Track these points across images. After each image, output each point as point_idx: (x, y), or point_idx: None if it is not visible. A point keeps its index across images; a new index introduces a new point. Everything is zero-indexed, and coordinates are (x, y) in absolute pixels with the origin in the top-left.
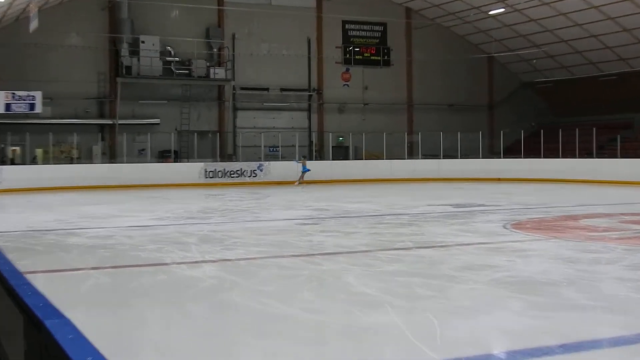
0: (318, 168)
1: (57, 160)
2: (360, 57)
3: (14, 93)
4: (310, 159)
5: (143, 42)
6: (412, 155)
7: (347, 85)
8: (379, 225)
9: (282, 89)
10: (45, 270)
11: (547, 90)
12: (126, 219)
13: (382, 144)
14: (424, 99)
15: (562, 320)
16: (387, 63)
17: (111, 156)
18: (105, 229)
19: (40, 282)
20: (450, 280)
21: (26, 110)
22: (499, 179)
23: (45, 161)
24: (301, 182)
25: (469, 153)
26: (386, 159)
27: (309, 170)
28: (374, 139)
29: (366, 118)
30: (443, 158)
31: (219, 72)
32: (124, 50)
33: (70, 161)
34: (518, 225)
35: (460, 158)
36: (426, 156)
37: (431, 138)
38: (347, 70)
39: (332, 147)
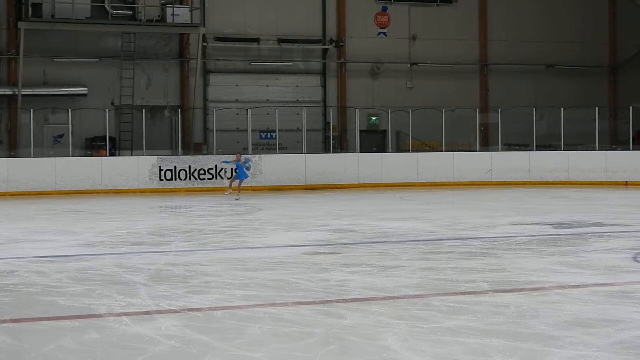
0: (338, 165)
1: None
2: None
3: None
4: (326, 149)
5: None
6: (487, 144)
7: (384, 33)
8: (435, 255)
9: (282, 40)
10: None
11: None
12: (35, 246)
13: (440, 128)
14: (507, 55)
15: None
16: None
17: (10, 146)
18: (1, 260)
19: None
20: (548, 343)
21: None
22: (626, 184)
23: None
24: (234, 188)
25: (579, 142)
26: (446, 150)
27: (247, 176)
28: (425, 119)
29: (414, 86)
30: (536, 149)
31: (181, 14)
32: None
33: None
34: None
35: (564, 149)
36: (509, 146)
37: (518, 118)
38: (384, 10)
39: (360, 131)
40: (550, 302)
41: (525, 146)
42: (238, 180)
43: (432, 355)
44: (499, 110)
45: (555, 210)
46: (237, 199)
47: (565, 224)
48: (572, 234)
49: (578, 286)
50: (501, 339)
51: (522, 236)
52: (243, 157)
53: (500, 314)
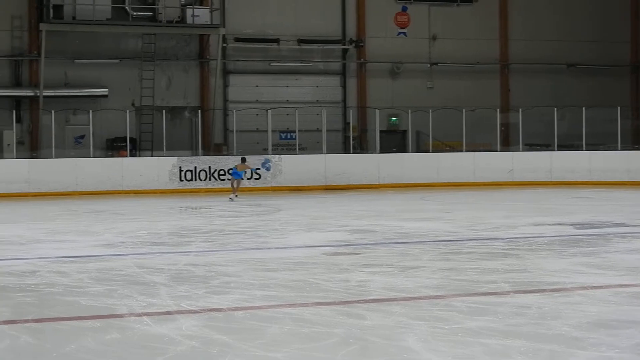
0: (358, 165)
1: None
2: None
3: None
4: (346, 150)
5: None
6: (507, 144)
7: (404, 33)
8: (455, 256)
9: (301, 41)
10: None
11: None
12: (56, 246)
13: (460, 128)
14: (527, 55)
15: None
16: None
17: (32, 147)
18: (23, 260)
19: None
20: (570, 344)
21: None
22: None
23: None
24: (238, 189)
25: (600, 141)
26: (466, 150)
27: (240, 176)
28: (446, 120)
29: (434, 86)
30: (558, 149)
31: (201, 15)
32: None
33: None
34: None
35: (586, 149)
36: (530, 146)
37: (539, 118)
38: (404, 10)
39: (380, 132)
40: (573, 303)
41: (546, 146)
42: (237, 181)
43: (453, 356)
44: (520, 110)
45: (577, 211)
46: (233, 198)
47: (587, 224)
48: (594, 235)
49: (601, 287)
50: (523, 340)
51: (543, 237)
52: (264, 157)
53: (522, 315)
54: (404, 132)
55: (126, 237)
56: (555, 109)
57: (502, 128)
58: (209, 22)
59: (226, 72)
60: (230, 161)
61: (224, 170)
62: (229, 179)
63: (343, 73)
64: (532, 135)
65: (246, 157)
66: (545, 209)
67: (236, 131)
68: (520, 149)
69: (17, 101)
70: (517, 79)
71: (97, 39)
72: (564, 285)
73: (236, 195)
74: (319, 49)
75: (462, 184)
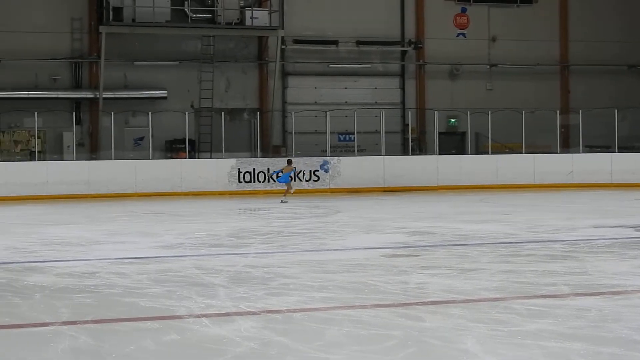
0: (416, 167)
1: (8, 156)
2: None
3: None
4: (404, 152)
5: None
6: (567, 146)
7: (464, 35)
8: (515, 258)
9: (360, 42)
10: None
11: None
12: (116, 247)
13: (520, 129)
14: (588, 56)
15: None
16: None
17: (92, 149)
18: (83, 261)
19: None
20: (631, 347)
21: None
22: None
23: None
24: (289, 193)
25: None
26: (526, 152)
27: (287, 180)
28: (505, 121)
29: (494, 87)
30: (618, 151)
31: (260, 17)
32: None
33: (29, 157)
34: None
35: None
36: (591, 148)
37: (599, 119)
38: (464, 11)
39: (439, 133)
40: (633, 306)
41: (606, 148)
42: (287, 184)
43: (512, 359)
44: (580, 111)
45: (638, 213)
46: (284, 201)
47: None
48: None
49: None
50: (582, 343)
51: (603, 239)
52: (322, 159)
53: (582, 318)
54: (463, 133)
55: (185, 238)
56: (616, 110)
57: (562, 130)
58: (267, 24)
59: (285, 74)
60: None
61: (282, 172)
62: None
63: (402, 75)
64: (592, 136)
65: (303, 158)
66: (606, 211)
67: (295, 133)
68: (581, 151)
69: (77, 103)
70: (577, 80)
71: (157, 41)
72: (625, 288)
73: (287, 199)
74: (377, 50)
75: (521, 186)
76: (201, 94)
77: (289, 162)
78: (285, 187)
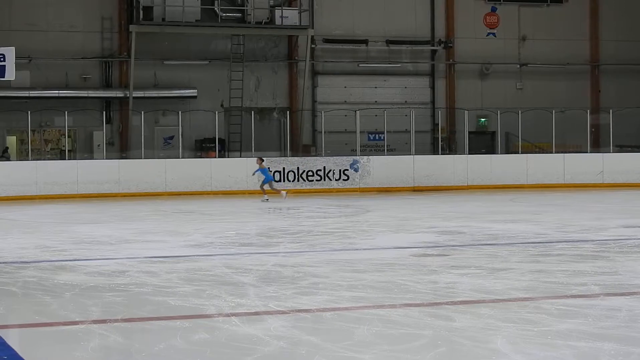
0: (446, 166)
1: (39, 154)
2: None
3: None
4: (434, 151)
5: None
6: (597, 146)
7: (494, 34)
8: (545, 258)
9: (390, 42)
10: (22, 324)
11: None
12: (145, 246)
13: (550, 129)
14: (618, 55)
15: None
16: None
17: (122, 148)
18: (113, 260)
19: (14, 342)
20: None
21: None
22: None
23: (21, 155)
24: (269, 192)
25: None
26: (556, 152)
27: (271, 178)
28: (535, 121)
29: (524, 86)
30: None
31: (290, 16)
32: None
33: (59, 155)
34: None
35: None
36: (621, 148)
37: (630, 119)
38: (494, 10)
39: (469, 132)
40: None
41: (638, 147)
42: (268, 184)
43: (542, 359)
44: (610, 111)
45: None
46: (265, 200)
47: None
48: None
49: None
50: (613, 343)
51: (634, 239)
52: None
53: (612, 318)
54: (493, 133)
55: (215, 237)
56: None
57: (593, 129)
58: (297, 23)
59: (315, 73)
60: (318, 162)
61: (312, 171)
62: (317, 180)
63: (432, 74)
64: (623, 136)
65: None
66: (636, 211)
67: (324, 132)
68: (611, 151)
69: (107, 102)
70: (607, 80)
71: (187, 40)
72: None
73: (267, 199)
74: (407, 49)
75: (551, 186)
76: (231, 93)
77: (261, 160)
78: (269, 186)
